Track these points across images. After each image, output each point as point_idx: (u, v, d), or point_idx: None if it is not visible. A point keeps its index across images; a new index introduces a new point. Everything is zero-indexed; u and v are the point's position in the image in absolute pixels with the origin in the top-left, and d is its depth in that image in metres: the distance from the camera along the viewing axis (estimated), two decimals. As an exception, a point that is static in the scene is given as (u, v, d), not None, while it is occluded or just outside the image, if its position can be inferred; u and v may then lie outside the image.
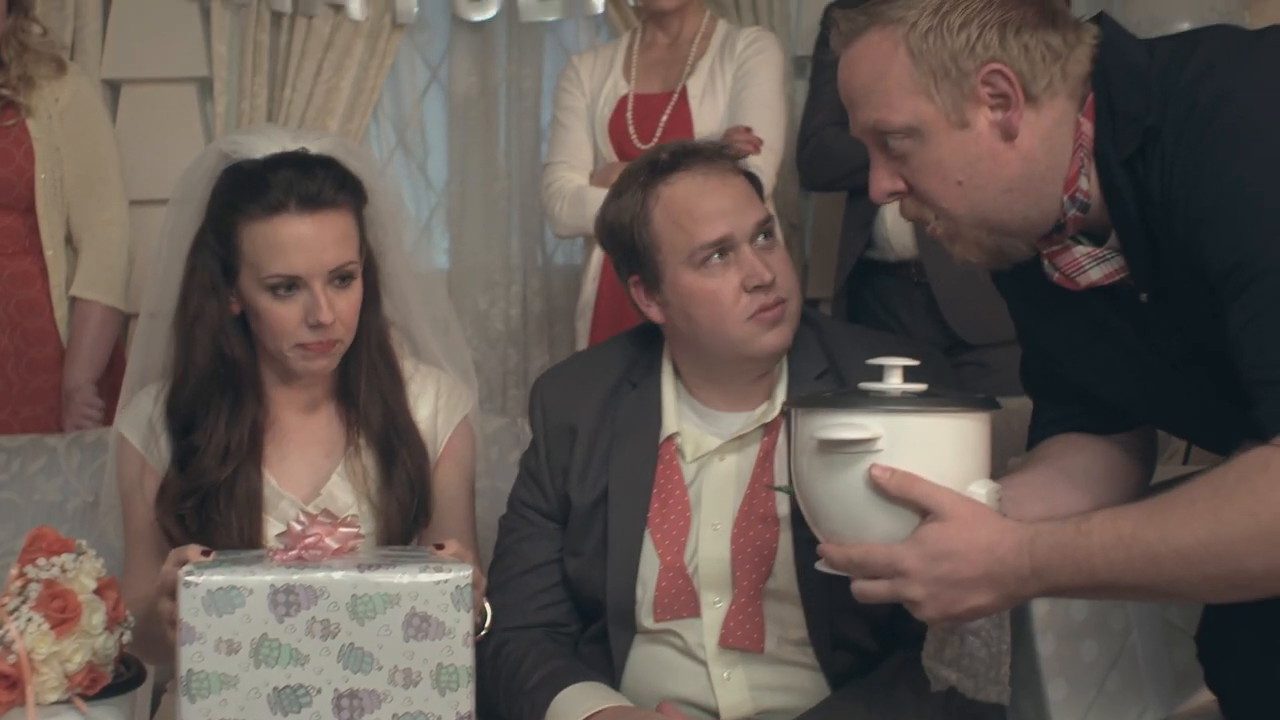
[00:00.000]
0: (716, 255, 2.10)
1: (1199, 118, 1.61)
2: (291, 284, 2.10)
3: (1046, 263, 1.79)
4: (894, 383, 1.77)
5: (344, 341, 2.17)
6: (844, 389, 1.85)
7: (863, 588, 1.73)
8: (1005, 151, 1.71)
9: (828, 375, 2.17)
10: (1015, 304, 1.98)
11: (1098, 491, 1.87)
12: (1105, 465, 1.94)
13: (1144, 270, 1.72)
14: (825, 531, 1.78)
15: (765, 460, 2.15)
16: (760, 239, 2.12)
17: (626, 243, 2.17)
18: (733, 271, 2.10)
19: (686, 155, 2.15)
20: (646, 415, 2.20)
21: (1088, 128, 1.71)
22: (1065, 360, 1.91)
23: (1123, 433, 1.96)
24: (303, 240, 2.10)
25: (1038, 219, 1.74)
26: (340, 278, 2.13)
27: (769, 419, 2.16)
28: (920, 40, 1.71)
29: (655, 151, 2.20)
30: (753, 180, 2.19)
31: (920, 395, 1.75)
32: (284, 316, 2.11)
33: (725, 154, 2.18)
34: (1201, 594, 1.65)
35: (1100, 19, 1.77)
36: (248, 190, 2.12)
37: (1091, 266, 1.76)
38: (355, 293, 2.16)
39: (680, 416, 2.20)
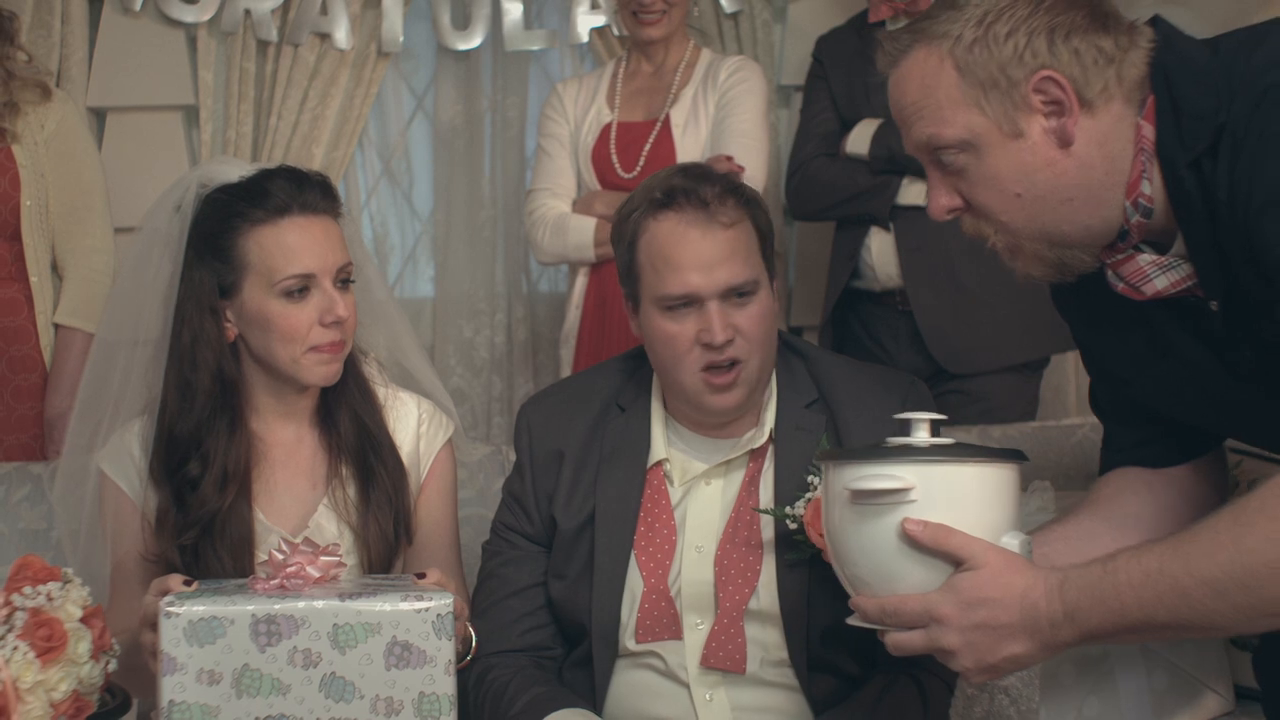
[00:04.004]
0: (682, 304, 2.10)
1: (1269, 105, 1.58)
2: (304, 285, 2.12)
3: (1110, 273, 1.75)
4: (921, 436, 1.76)
5: (348, 346, 2.19)
6: (873, 442, 1.83)
7: (898, 639, 1.71)
8: (1062, 160, 1.68)
9: (817, 405, 2.19)
10: (1077, 325, 1.96)
11: (1148, 536, 1.79)
12: (1161, 507, 1.90)
13: (1212, 276, 1.68)
14: (855, 583, 1.77)
15: (751, 484, 2.17)
16: (735, 297, 2.10)
17: (621, 259, 2.19)
18: (693, 321, 2.10)
19: (683, 194, 2.11)
20: (635, 441, 2.21)
21: (1148, 130, 1.67)
22: (1133, 380, 1.88)
23: (1191, 462, 1.92)
24: (313, 239, 2.14)
25: (1099, 227, 1.71)
26: (343, 280, 2.17)
27: (756, 444, 2.17)
28: (966, 53, 1.68)
29: (668, 176, 2.16)
30: (760, 223, 2.15)
31: (950, 447, 1.74)
32: (298, 320, 2.13)
33: (734, 194, 2.13)
34: (1235, 625, 1.60)
35: (1154, 21, 1.74)
36: (247, 199, 2.14)
37: (1156, 275, 1.72)
38: (353, 297, 2.19)
39: (668, 443, 2.21)
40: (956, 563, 1.68)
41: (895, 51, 1.75)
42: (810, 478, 2.10)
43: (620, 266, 2.20)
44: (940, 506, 1.69)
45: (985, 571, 1.66)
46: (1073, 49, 1.67)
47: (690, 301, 2.09)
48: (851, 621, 1.78)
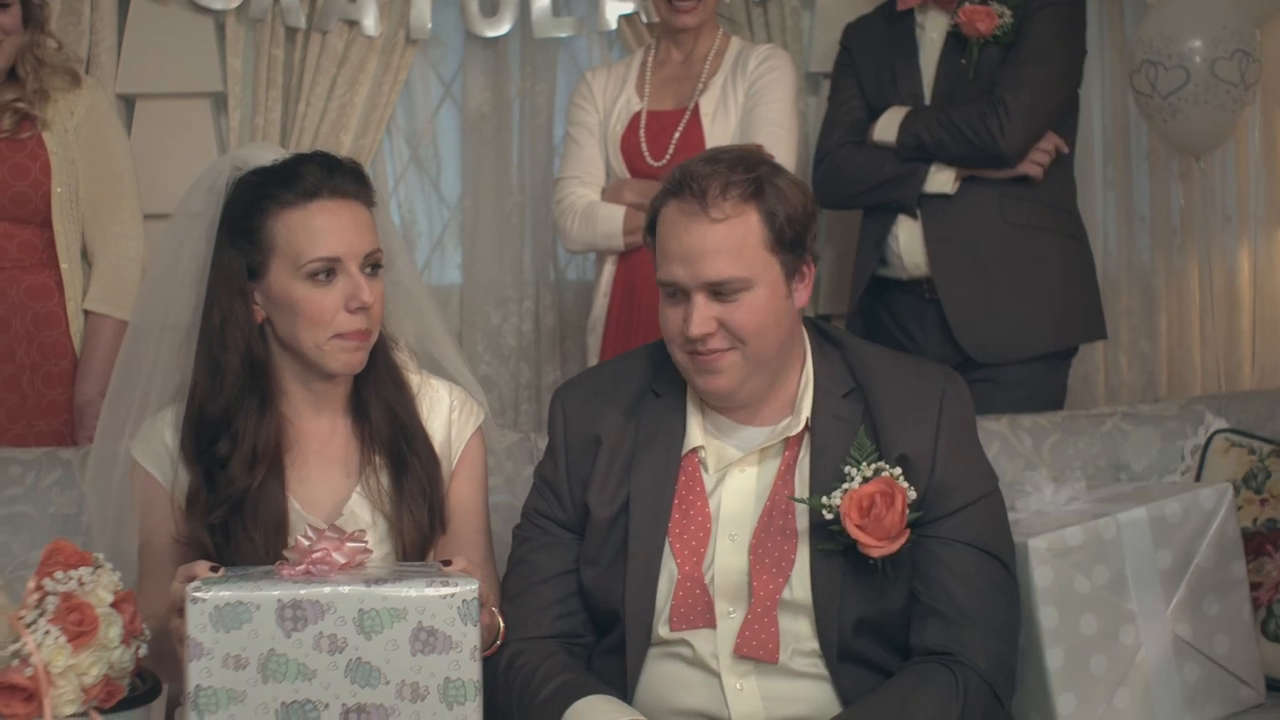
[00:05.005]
0: (673, 291, 2.12)
1: None
2: (330, 269, 2.13)
3: None
4: None
5: (374, 335, 2.19)
6: None
7: None
8: None
9: (853, 394, 2.19)
10: None
11: None
12: None
13: None
14: None
15: (787, 473, 2.17)
16: (721, 292, 2.09)
17: (648, 241, 2.21)
18: (682, 309, 2.12)
19: (689, 183, 2.10)
20: (671, 427, 2.21)
21: None
22: None
23: None
24: (340, 223, 2.14)
25: None
26: (372, 266, 2.17)
27: (792, 432, 2.17)
28: None
29: (692, 161, 2.16)
30: (774, 216, 2.10)
31: None
32: (323, 305, 2.13)
33: (745, 185, 2.09)
34: None
35: None
36: (278, 182, 2.15)
37: None
38: (381, 285, 2.19)
39: (704, 430, 2.21)
40: None
41: None
42: (847, 468, 2.10)
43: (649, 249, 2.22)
44: None
45: None
46: None
47: (678, 290, 2.11)
48: None
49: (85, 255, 3.26)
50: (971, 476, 2.18)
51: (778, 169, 2.18)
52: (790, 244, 2.13)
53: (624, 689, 2.16)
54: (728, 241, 2.09)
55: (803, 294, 2.17)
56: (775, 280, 2.12)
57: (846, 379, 2.20)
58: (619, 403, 2.25)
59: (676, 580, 2.15)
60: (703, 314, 2.09)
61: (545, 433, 2.66)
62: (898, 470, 2.09)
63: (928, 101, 3.33)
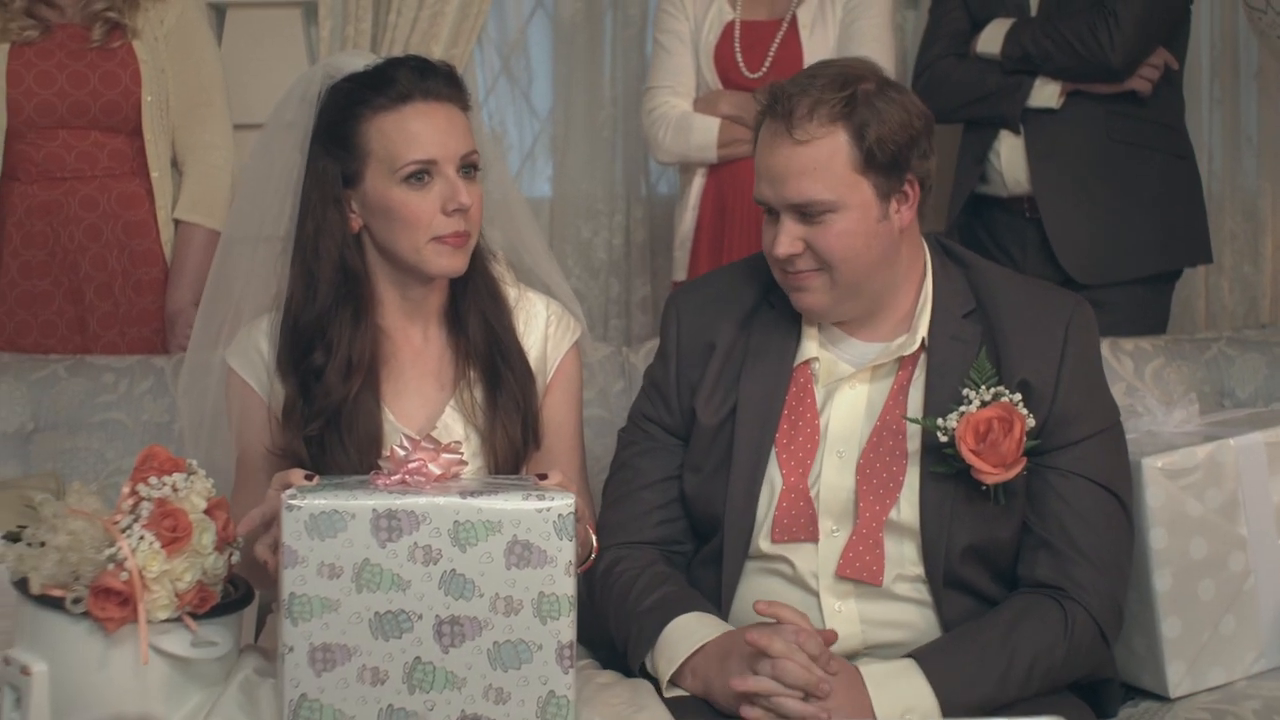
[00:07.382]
0: (767, 210, 2.11)
1: None
2: (425, 171, 2.11)
3: None
4: None
5: (473, 238, 2.17)
6: None
7: None
8: None
9: (974, 315, 2.14)
10: None
11: None
12: None
13: None
14: None
15: (900, 393, 2.13)
16: (807, 214, 2.06)
17: None
18: (774, 230, 2.10)
19: (780, 102, 2.07)
20: (784, 337, 2.18)
21: None
22: None
23: None
24: (435, 125, 2.13)
25: None
26: (468, 167, 2.15)
27: (907, 351, 2.13)
28: None
29: (790, 78, 2.12)
30: (865, 135, 2.04)
31: None
32: (420, 208, 2.11)
33: (835, 105, 2.04)
34: None
35: None
36: (372, 86, 2.14)
37: None
38: (479, 188, 2.17)
39: (819, 342, 2.17)
40: None
41: None
42: (966, 390, 2.05)
43: None
44: None
45: None
46: None
47: (770, 209, 2.09)
48: None
49: (175, 164, 3.26)
50: (1094, 408, 2.12)
51: (885, 84, 2.11)
52: (884, 165, 2.07)
53: (719, 601, 2.13)
54: (812, 163, 2.05)
55: (905, 215, 2.11)
56: (866, 202, 2.07)
57: (968, 298, 2.15)
58: (735, 310, 2.22)
59: (780, 491, 2.12)
60: (790, 235, 2.07)
61: (635, 347, 2.64)
62: (1018, 396, 2.04)
63: (1033, 12, 3.24)
